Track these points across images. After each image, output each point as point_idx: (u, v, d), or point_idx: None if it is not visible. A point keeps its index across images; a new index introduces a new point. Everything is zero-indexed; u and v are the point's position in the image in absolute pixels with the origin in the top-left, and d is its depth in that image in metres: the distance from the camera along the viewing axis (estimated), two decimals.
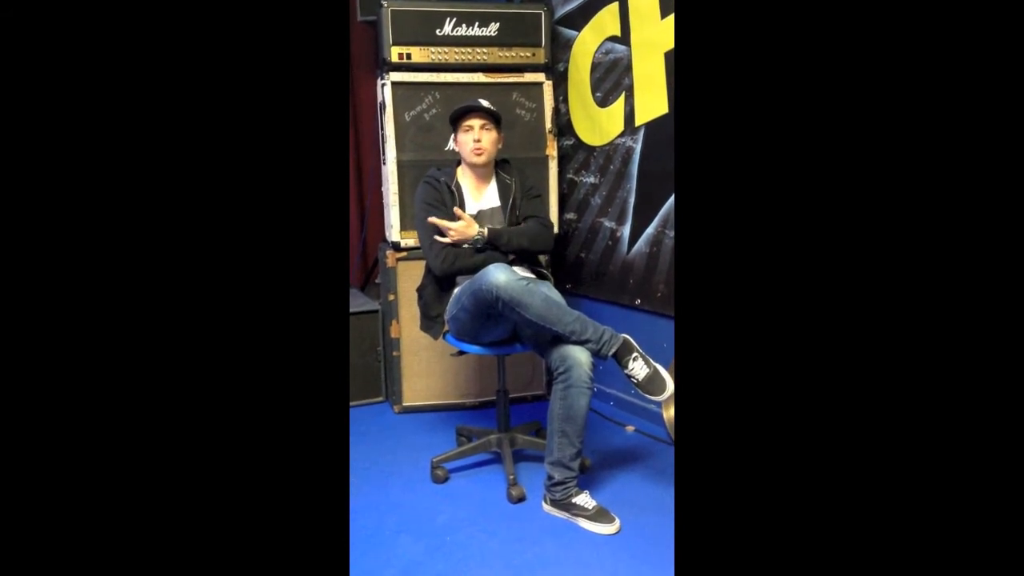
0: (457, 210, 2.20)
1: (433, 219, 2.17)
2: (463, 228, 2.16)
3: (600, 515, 1.98)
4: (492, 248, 2.20)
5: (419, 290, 2.35)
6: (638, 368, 1.96)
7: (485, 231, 2.18)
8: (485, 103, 2.24)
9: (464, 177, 2.32)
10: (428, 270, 2.29)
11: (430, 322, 2.29)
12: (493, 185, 2.35)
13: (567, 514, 2.02)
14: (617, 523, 1.96)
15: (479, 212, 2.29)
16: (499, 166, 2.38)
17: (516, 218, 2.32)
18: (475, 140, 2.23)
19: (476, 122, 2.23)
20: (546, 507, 2.08)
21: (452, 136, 2.31)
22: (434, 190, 2.26)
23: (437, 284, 2.25)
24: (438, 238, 2.18)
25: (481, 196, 2.33)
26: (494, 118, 2.25)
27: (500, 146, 2.33)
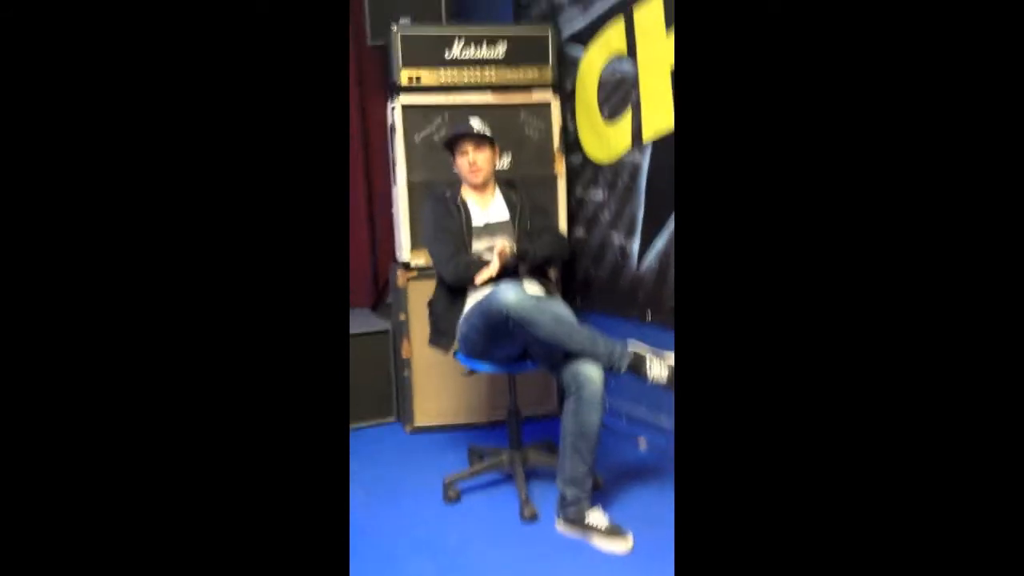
0: (499, 246, 2.18)
1: (479, 278, 2.13)
2: (501, 260, 2.14)
3: (613, 532, 1.96)
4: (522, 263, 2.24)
5: (430, 304, 2.37)
6: (658, 370, 1.95)
7: (515, 249, 2.21)
8: (476, 125, 2.29)
9: (468, 193, 2.37)
10: (439, 283, 2.32)
11: (440, 335, 2.30)
12: (498, 199, 2.40)
13: (580, 532, 2.00)
14: (630, 540, 1.94)
15: (486, 224, 2.33)
16: (505, 185, 2.43)
17: (526, 233, 2.35)
18: (471, 163, 2.29)
19: (469, 145, 2.29)
20: (560, 525, 2.06)
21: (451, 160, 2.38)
22: (442, 204, 2.32)
23: (448, 296, 2.27)
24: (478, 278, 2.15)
25: (487, 209, 2.37)
26: (485, 139, 2.30)
27: (498, 159, 2.41)
